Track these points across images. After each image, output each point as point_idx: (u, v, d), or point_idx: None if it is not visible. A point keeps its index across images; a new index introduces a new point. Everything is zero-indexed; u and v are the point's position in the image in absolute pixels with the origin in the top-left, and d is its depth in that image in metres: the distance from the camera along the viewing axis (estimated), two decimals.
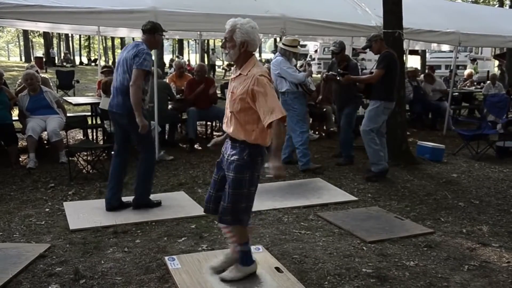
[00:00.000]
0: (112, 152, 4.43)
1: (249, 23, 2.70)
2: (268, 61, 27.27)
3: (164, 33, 4.29)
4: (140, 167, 4.23)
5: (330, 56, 6.30)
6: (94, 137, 7.05)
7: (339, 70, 5.84)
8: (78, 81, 13.79)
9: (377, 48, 5.36)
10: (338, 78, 5.70)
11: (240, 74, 2.73)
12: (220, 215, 2.79)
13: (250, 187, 2.75)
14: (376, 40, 5.38)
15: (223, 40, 2.76)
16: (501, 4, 23.99)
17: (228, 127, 2.81)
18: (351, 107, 6.10)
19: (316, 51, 24.85)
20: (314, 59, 23.76)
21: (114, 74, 4.20)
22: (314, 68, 19.65)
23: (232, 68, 2.88)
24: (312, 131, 7.91)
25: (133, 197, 4.31)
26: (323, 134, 8.18)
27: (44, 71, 20.87)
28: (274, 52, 34.15)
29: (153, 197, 4.39)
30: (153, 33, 4.14)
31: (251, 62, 2.72)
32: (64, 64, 29.42)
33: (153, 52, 4.39)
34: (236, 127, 2.74)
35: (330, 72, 6.00)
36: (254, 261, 2.99)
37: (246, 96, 2.64)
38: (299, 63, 9.98)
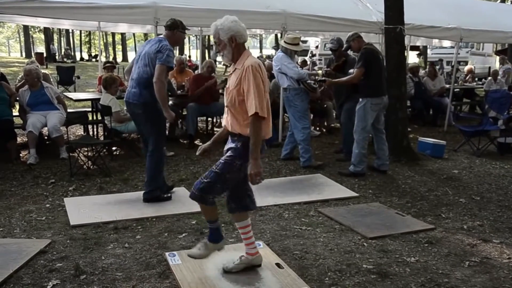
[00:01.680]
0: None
1: (227, 19, 2.73)
2: (269, 57, 27.21)
3: (185, 30, 4.33)
4: (149, 161, 4.27)
5: (331, 52, 6.29)
6: (95, 133, 7.04)
7: (316, 77, 5.85)
8: (78, 77, 13.78)
9: (357, 46, 5.34)
10: (315, 86, 5.73)
11: (235, 69, 2.76)
12: (193, 188, 2.81)
13: (235, 174, 2.75)
14: (353, 39, 5.36)
15: (215, 46, 2.80)
16: (503, 0, 23.89)
17: (227, 123, 2.84)
18: (351, 102, 6.08)
19: (317, 47, 24.79)
20: (315, 55, 23.71)
21: (133, 66, 4.29)
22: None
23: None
24: (313, 127, 7.90)
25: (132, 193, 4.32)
26: (324, 130, 8.17)
27: (45, 66, 20.86)
28: (275, 48, 34.10)
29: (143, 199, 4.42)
30: (173, 29, 4.22)
31: (245, 55, 2.75)
32: (65, 59, 29.39)
33: None
34: (232, 121, 2.77)
35: (312, 81, 5.96)
36: (223, 239, 3.00)
37: (239, 88, 2.67)
38: (300, 59, 9.97)
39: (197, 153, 2.96)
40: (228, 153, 2.77)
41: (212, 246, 2.97)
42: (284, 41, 5.64)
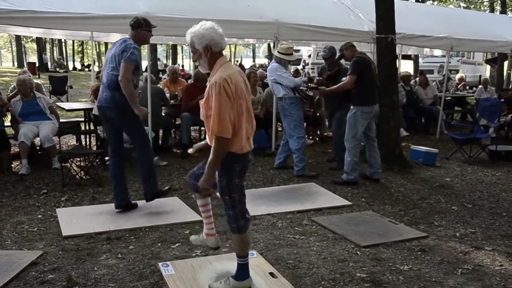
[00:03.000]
0: (107, 158, 4.44)
1: (202, 26, 2.57)
2: (262, 65, 27.29)
3: (150, 29, 4.24)
4: (140, 163, 4.26)
5: (323, 61, 6.33)
6: (87, 142, 7.01)
7: (309, 84, 5.87)
8: (71, 87, 13.76)
9: (350, 55, 5.39)
10: (311, 94, 5.77)
11: (209, 80, 2.64)
12: (228, 225, 2.77)
13: (230, 193, 2.65)
14: (347, 48, 5.42)
15: (192, 55, 2.68)
16: (492, 10, 24.27)
17: (207, 135, 2.75)
18: (342, 111, 6.11)
19: (309, 56, 24.94)
20: (308, 64, 23.84)
21: (102, 71, 4.23)
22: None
23: None
24: (306, 136, 7.92)
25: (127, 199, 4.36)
26: (317, 139, 8.19)
27: (37, 76, 20.79)
28: (267, 57, 34.24)
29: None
30: (136, 28, 4.16)
31: (217, 65, 2.59)
32: (57, 69, 29.33)
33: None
34: (209, 134, 2.65)
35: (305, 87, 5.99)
36: (249, 277, 2.82)
37: (208, 103, 2.54)
38: (292, 68, 10.00)
39: (190, 151, 2.90)
40: (217, 176, 2.65)
41: (238, 284, 2.77)
42: (278, 51, 5.68)
